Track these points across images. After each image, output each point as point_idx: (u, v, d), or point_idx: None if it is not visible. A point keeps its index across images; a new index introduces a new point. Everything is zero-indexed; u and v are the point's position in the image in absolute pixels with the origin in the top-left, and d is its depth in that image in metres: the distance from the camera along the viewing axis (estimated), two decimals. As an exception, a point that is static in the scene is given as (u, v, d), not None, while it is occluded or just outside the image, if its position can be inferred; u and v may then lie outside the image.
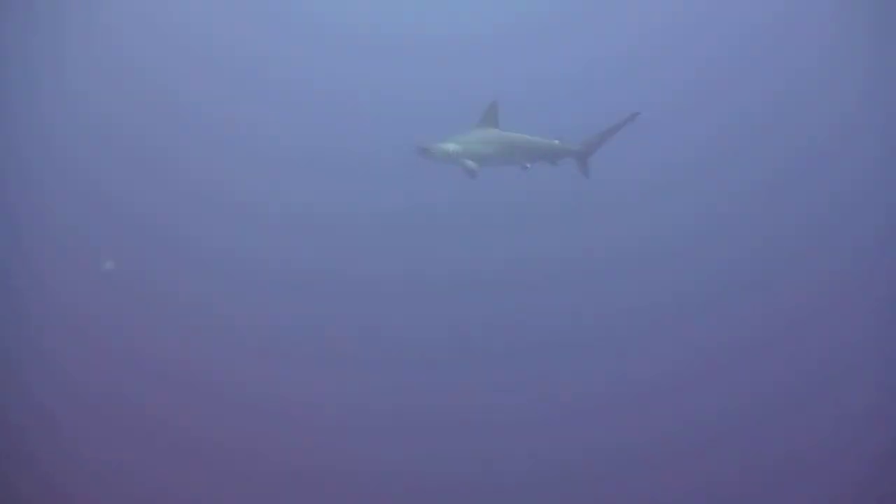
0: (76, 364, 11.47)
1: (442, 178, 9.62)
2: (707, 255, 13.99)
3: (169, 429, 10.90)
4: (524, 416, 11.55)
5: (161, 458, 10.49)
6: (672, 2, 16.21)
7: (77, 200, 13.72)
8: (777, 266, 13.56)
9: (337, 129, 15.68)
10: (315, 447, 10.91)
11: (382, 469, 10.74)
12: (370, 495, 10.57)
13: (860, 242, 13.40)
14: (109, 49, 15.38)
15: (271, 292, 13.25)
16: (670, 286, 13.56)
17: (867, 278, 12.89)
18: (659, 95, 14.66)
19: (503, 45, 16.65)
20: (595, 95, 14.46)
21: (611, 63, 16.49)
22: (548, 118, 9.94)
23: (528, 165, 9.52)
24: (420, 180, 12.25)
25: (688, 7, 16.14)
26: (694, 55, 16.21)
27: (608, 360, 12.42)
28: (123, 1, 15.60)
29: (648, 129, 9.74)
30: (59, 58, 14.31)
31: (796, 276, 13.31)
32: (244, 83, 16.51)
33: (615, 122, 9.44)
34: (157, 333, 12.12)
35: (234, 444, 10.90)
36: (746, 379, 11.93)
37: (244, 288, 13.34)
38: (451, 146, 9.34)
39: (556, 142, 9.62)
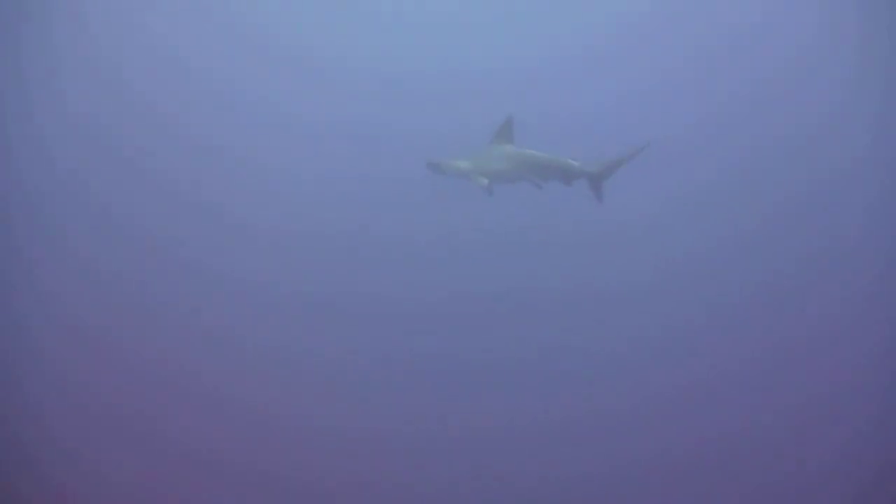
0: (75, 367, 11.31)
1: (455, 198, 9.53)
2: (723, 279, 13.90)
3: (169, 434, 10.78)
4: (538, 437, 11.45)
5: (160, 463, 10.41)
6: (701, 34, 16.06)
7: (77, 206, 13.66)
8: (789, 291, 13.48)
9: (349, 151, 15.48)
10: (322, 462, 10.81)
11: (398, 491, 10.67)
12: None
13: (879, 266, 13.32)
14: (109, 59, 15.21)
15: (279, 310, 13.12)
16: (685, 308, 13.46)
17: (886, 299, 12.83)
18: (679, 122, 14.63)
19: (532, 78, 16.38)
20: (619, 123, 14.24)
21: (634, 93, 16.30)
22: (576, 141, 9.78)
23: (542, 184, 9.35)
24: (431, 202, 12.20)
25: (721, 34, 16.01)
26: (719, 82, 16.10)
27: (620, 381, 12.30)
28: (124, 13, 15.42)
29: (666, 155, 9.62)
30: (52, 61, 14.20)
31: (812, 298, 13.23)
32: (263, 99, 16.30)
33: (632, 147, 9.23)
34: (163, 342, 12.06)
35: (235, 447, 10.80)
36: (762, 400, 11.85)
37: (246, 301, 13.22)
38: (462, 162, 9.26)
39: (574, 162, 9.43)
